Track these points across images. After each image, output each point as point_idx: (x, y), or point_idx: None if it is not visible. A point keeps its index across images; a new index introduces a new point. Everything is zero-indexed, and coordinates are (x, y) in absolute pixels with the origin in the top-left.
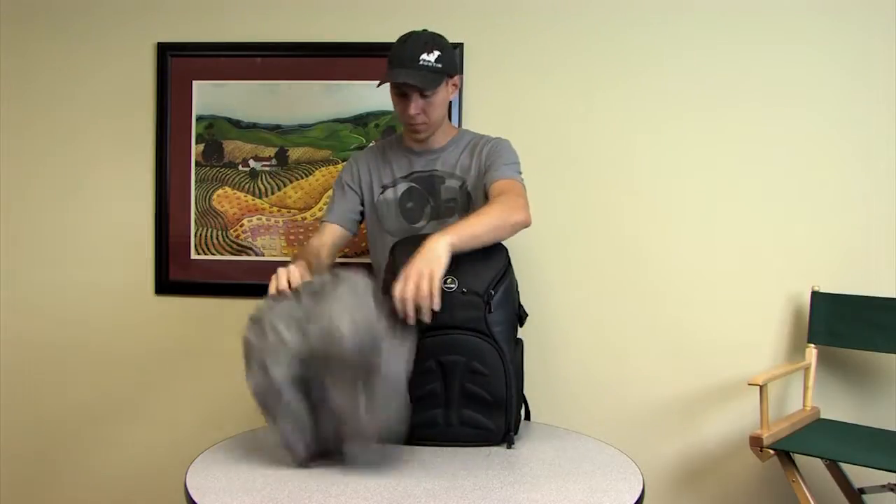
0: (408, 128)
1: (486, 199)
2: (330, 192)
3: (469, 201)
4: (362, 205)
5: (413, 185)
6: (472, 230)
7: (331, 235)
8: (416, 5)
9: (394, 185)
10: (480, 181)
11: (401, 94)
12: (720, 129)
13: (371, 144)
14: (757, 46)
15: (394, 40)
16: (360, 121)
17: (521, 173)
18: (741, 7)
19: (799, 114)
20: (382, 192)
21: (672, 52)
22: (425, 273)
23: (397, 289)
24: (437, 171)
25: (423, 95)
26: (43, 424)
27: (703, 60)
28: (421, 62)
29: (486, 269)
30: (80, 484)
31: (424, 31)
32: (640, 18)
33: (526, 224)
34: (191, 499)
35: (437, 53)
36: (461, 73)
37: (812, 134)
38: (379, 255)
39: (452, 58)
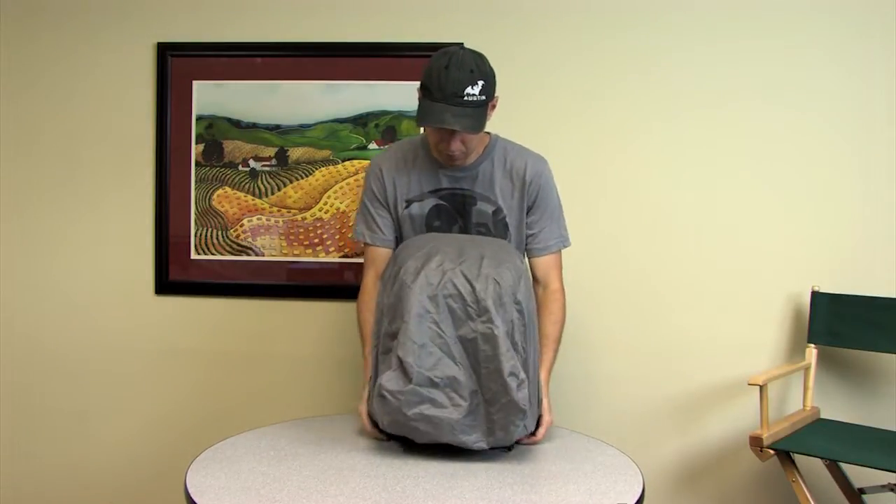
0: (443, 157)
1: (525, 237)
2: (352, 201)
3: (506, 231)
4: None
5: (441, 202)
6: (550, 368)
7: (384, 262)
8: (417, 5)
9: (420, 199)
10: (523, 216)
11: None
12: (720, 128)
13: (392, 147)
14: (757, 46)
15: (393, 40)
16: (360, 121)
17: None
18: (741, 7)
19: (799, 114)
20: (407, 207)
21: (671, 52)
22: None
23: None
24: (468, 190)
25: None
26: (43, 423)
27: (703, 60)
28: (466, 98)
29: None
30: (79, 484)
31: (464, 51)
32: (639, 18)
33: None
34: (190, 498)
35: (481, 84)
36: None
37: (812, 134)
38: None
39: (494, 80)
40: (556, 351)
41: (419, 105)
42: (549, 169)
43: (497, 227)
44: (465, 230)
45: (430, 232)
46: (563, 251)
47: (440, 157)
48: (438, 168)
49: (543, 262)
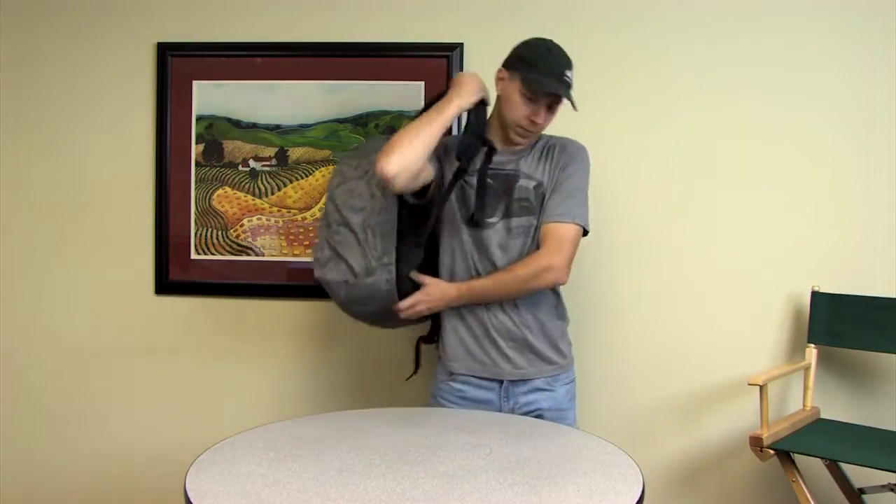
0: (518, 130)
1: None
2: None
3: (543, 204)
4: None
5: (490, 180)
6: (483, 292)
7: None
8: (417, 5)
9: (472, 174)
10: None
11: (532, 99)
12: (719, 128)
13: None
14: (757, 46)
15: (393, 40)
16: (360, 121)
17: (586, 196)
18: (741, 6)
19: (799, 114)
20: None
21: (671, 51)
22: (421, 307)
23: (413, 301)
24: (512, 170)
25: (550, 108)
26: (43, 424)
27: (703, 60)
28: (565, 77)
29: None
30: (79, 484)
31: (554, 42)
32: (640, 18)
33: (556, 284)
34: (189, 501)
35: (572, 72)
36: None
37: (812, 134)
38: (444, 238)
39: None
40: (492, 282)
41: (525, 78)
42: (583, 154)
43: (536, 200)
44: (509, 206)
45: (478, 205)
46: None
47: (516, 132)
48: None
49: (542, 232)
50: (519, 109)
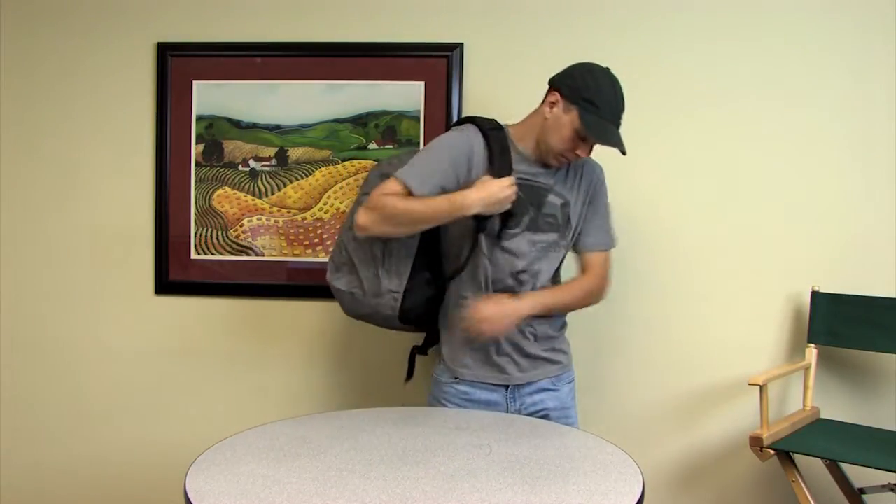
0: (560, 158)
1: (577, 243)
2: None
3: (568, 223)
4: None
5: (519, 193)
6: (551, 303)
7: None
8: (417, 5)
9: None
10: (583, 211)
11: (584, 139)
12: (719, 128)
13: (470, 128)
14: (757, 46)
15: (393, 40)
16: (360, 121)
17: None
18: (741, 6)
19: (799, 113)
20: None
21: (671, 51)
22: (498, 325)
23: (474, 311)
24: (543, 183)
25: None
26: (42, 425)
27: (703, 60)
28: (621, 122)
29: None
30: (79, 484)
31: (614, 75)
32: (639, 18)
33: (599, 300)
34: (189, 502)
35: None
36: (461, 72)
37: (812, 134)
38: (452, 245)
39: None
40: (560, 299)
41: (584, 118)
42: (604, 177)
43: (562, 219)
44: (534, 219)
45: (500, 215)
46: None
47: (556, 159)
48: (515, 156)
49: (587, 259)
50: (567, 142)
